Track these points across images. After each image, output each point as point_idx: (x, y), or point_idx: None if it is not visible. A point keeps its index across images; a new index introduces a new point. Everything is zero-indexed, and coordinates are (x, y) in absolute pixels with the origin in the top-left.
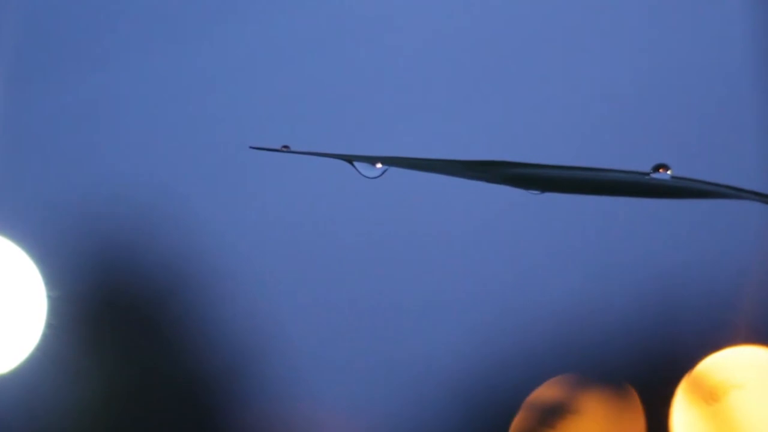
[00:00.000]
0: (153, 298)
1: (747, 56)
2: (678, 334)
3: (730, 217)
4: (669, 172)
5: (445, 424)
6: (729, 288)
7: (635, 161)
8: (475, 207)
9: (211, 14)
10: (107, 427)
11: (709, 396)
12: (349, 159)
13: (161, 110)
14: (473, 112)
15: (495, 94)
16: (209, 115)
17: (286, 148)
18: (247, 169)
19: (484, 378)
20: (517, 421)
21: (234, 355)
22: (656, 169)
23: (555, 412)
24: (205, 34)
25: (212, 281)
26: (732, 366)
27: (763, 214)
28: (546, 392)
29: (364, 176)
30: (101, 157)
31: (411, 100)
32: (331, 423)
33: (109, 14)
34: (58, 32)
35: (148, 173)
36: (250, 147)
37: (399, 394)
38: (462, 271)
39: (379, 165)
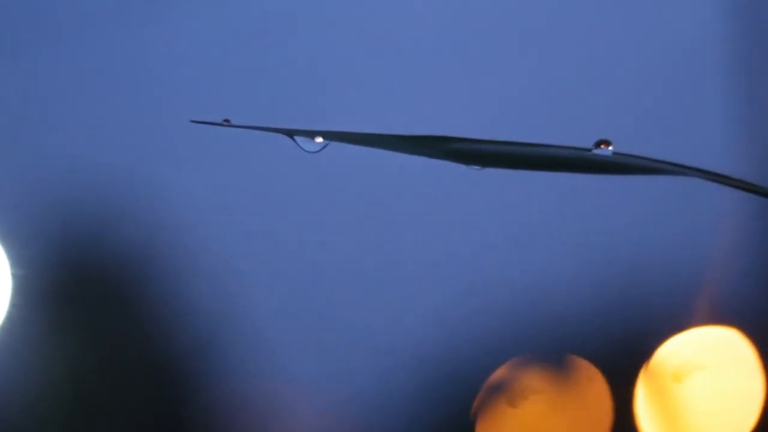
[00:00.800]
0: (119, 276)
1: (691, 30)
2: (642, 315)
3: (694, 198)
4: (610, 148)
5: (408, 402)
6: (692, 269)
7: (579, 137)
8: (439, 182)
9: None
10: (73, 407)
11: (673, 376)
12: (290, 133)
13: (113, 86)
14: (416, 87)
15: (438, 68)
16: (155, 90)
17: (227, 122)
18: (199, 143)
19: (447, 357)
20: (479, 400)
21: (200, 332)
22: (598, 144)
23: (519, 391)
24: (148, 8)
25: (179, 257)
26: (695, 347)
27: (726, 195)
28: (510, 371)
29: (305, 151)
30: (61, 134)
31: (355, 75)
32: (297, 398)
33: None
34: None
35: (107, 151)
36: (191, 121)
37: (363, 371)
38: (427, 248)
39: (319, 139)
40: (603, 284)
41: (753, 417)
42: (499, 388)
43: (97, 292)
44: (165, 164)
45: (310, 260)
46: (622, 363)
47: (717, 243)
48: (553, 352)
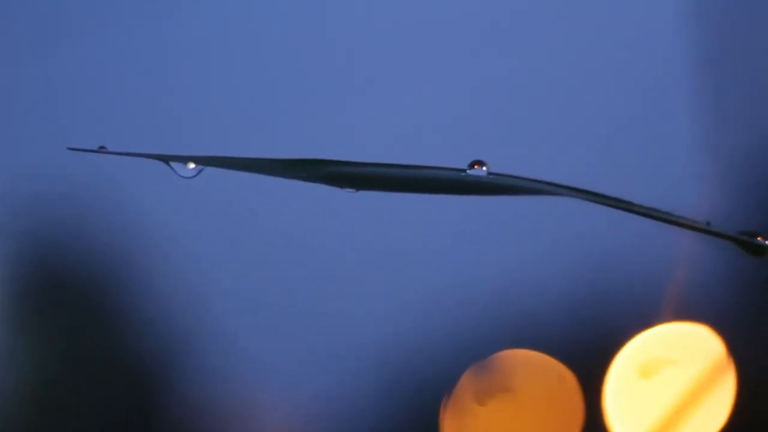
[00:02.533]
0: (90, 279)
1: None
2: (610, 311)
3: (660, 197)
4: (484, 168)
5: (378, 402)
6: (660, 265)
7: (462, 158)
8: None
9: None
10: (44, 409)
11: (642, 372)
12: (165, 159)
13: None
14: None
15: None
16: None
17: (103, 149)
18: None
19: (417, 356)
20: (450, 399)
21: (171, 336)
22: (472, 165)
23: (487, 390)
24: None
25: (150, 261)
26: (664, 343)
27: (696, 196)
28: (479, 370)
29: (181, 176)
30: (28, 138)
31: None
32: (267, 399)
33: None
34: None
35: (77, 153)
36: (68, 148)
37: (332, 372)
38: (397, 248)
39: (191, 165)
40: (571, 282)
41: (723, 413)
42: (469, 387)
43: (68, 295)
44: (137, 168)
45: (280, 263)
46: (591, 360)
47: (684, 240)
48: (520, 351)
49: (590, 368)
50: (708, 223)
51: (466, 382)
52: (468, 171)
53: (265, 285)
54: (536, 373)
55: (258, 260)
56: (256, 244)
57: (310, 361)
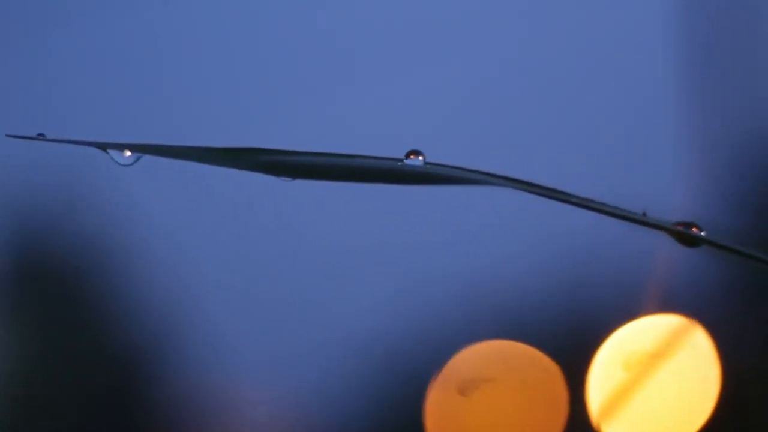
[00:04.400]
0: (71, 269)
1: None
2: (594, 303)
3: (644, 192)
4: (421, 158)
5: (362, 393)
6: (644, 258)
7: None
8: None
9: None
10: (24, 402)
11: (625, 364)
12: (102, 146)
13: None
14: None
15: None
16: None
17: (41, 137)
18: None
19: (399, 348)
20: (433, 389)
21: (153, 326)
22: (408, 155)
23: (470, 381)
24: None
25: (129, 254)
26: (647, 335)
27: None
28: (461, 361)
29: (119, 164)
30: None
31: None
32: (247, 393)
33: None
34: None
35: (58, 146)
36: (7, 135)
37: (315, 363)
38: (380, 239)
39: (128, 153)
40: (556, 274)
41: (708, 405)
42: (452, 378)
43: (49, 285)
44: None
45: (262, 256)
46: (575, 351)
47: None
48: (504, 342)
49: (574, 360)
50: (644, 214)
51: (449, 372)
52: (404, 161)
53: (247, 278)
54: (520, 364)
55: (240, 254)
56: (238, 237)
57: (293, 353)
